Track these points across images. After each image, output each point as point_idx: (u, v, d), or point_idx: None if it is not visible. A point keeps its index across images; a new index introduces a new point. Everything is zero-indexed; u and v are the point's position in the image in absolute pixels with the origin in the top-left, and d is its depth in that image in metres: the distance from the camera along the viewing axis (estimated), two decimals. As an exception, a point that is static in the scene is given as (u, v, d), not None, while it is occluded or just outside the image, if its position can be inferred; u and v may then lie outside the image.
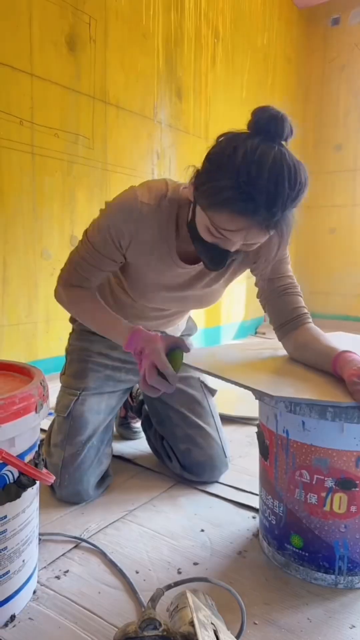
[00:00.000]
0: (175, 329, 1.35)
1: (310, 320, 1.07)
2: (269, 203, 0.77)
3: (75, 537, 1.01)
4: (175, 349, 0.96)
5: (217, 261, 0.92)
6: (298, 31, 4.05)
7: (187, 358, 1.01)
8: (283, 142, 0.81)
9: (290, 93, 4.03)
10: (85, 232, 1.06)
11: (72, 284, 1.09)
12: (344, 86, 4.02)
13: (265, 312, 1.12)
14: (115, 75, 2.44)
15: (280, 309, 1.07)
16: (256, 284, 1.12)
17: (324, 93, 4.13)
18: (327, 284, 4.27)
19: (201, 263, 1.02)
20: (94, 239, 1.03)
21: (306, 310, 1.08)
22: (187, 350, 0.97)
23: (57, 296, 1.12)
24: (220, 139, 0.84)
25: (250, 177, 0.76)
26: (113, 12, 2.38)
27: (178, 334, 1.37)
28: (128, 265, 1.10)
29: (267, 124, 0.79)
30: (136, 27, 2.52)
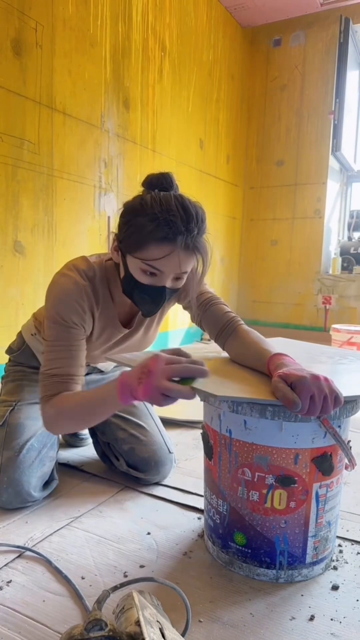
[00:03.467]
0: (108, 364, 1.42)
1: (242, 322, 1.13)
2: (184, 223, 0.91)
3: (18, 547, 0.99)
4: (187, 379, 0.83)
5: (156, 301, 0.99)
6: (242, 49, 4.20)
7: (133, 361, 1.02)
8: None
9: (234, 109, 4.16)
10: (43, 339, 1.04)
11: (52, 396, 0.97)
12: (285, 104, 4.20)
13: (203, 330, 1.19)
14: (62, 82, 2.43)
15: (212, 319, 1.13)
16: (185, 309, 1.20)
17: (266, 110, 4.30)
18: (269, 293, 4.42)
19: (135, 322, 1.16)
20: (54, 335, 1.00)
21: (234, 314, 1.15)
22: (204, 376, 0.83)
23: (46, 421, 0.98)
24: (127, 203, 0.97)
25: (162, 208, 0.90)
26: (60, 20, 2.38)
27: (112, 366, 1.44)
28: None
29: (158, 180, 0.96)
30: (84, 35, 2.53)
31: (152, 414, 1.36)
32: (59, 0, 2.36)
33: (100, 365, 1.39)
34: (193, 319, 1.19)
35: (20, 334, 1.33)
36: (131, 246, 0.94)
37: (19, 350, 1.32)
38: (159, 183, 0.96)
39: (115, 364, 1.45)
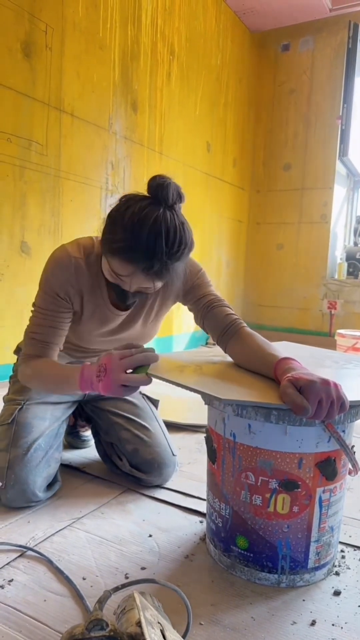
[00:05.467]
0: None
1: (245, 324, 1.13)
2: (147, 256, 0.91)
3: (20, 546, 0.99)
4: (139, 368, 0.96)
5: (122, 298, 1.05)
6: (250, 54, 4.22)
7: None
8: (174, 206, 0.94)
9: (241, 113, 4.17)
10: (33, 303, 1.13)
11: (31, 357, 1.10)
12: (292, 109, 4.21)
13: (206, 332, 1.19)
14: (70, 84, 2.44)
15: (214, 321, 1.14)
16: (190, 310, 1.21)
17: (274, 115, 4.31)
18: (274, 297, 4.42)
19: (131, 308, 1.17)
20: (42, 302, 1.10)
21: (237, 316, 1.15)
22: (154, 361, 0.98)
23: (20, 375, 1.13)
24: (122, 198, 0.97)
25: (132, 234, 0.91)
26: (70, 23, 2.40)
27: None
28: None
29: (154, 191, 0.93)
30: (93, 38, 2.54)
31: (156, 416, 1.36)
32: (69, 3, 2.38)
33: None
34: (196, 321, 1.20)
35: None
36: (105, 248, 0.99)
37: None
38: (155, 193, 0.93)
39: None
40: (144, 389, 1.41)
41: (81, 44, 2.47)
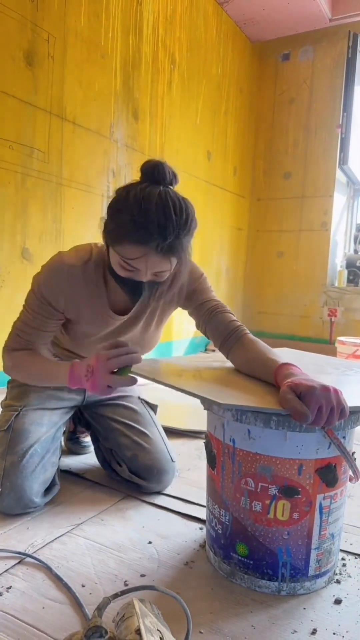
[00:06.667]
0: None
1: (247, 331, 1.13)
2: (160, 229, 0.90)
3: (19, 553, 0.98)
4: (123, 368, 1.00)
5: (135, 292, 1.02)
6: (251, 63, 4.25)
7: (136, 368, 1.03)
8: (170, 186, 0.95)
9: (242, 122, 4.20)
10: (25, 300, 1.14)
11: (15, 350, 1.14)
12: (293, 118, 4.23)
13: (208, 338, 1.19)
14: (72, 93, 2.46)
15: (217, 328, 1.14)
16: (190, 315, 1.21)
17: (274, 123, 4.34)
18: (274, 305, 4.42)
19: (132, 311, 1.16)
20: (31, 304, 1.11)
21: (240, 323, 1.15)
22: (137, 362, 1.01)
23: (4, 366, 1.15)
24: (118, 190, 0.97)
25: (141, 211, 0.90)
26: (72, 32, 2.42)
27: None
28: (66, 321, 1.17)
29: (150, 171, 0.94)
30: (95, 47, 2.57)
31: (155, 422, 1.36)
32: (71, 12, 2.40)
33: None
34: (198, 327, 1.19)
35: None
36: (112, 240, 0.97)
37: None
38: (151, 174, 0.94)
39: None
40: (142, 393, 1.41)
41: (83, 53, 2.50)
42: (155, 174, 0.94)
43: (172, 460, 1.29)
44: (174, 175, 0.96)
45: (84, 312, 1.13)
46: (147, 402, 1.41)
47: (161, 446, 1.29)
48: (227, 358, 1.14)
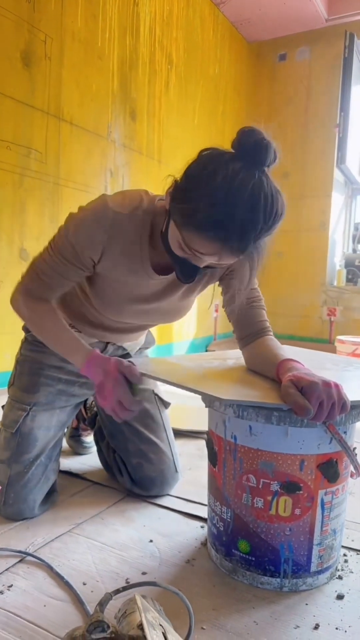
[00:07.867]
0: (135, 344, 1.35)
1: (271, 332, 1.09)
2: (242, 234, 0.77)
3: (20, 551, 0.98)
4: (132, 383, 1.01)
5: (187, 275, 0.91)
6: (248, 64, 4.26)
7: (141, 366, 1.03)
8: (265, 168, 0.80)
9: (240, 122, 4.20)
10: (53, 237, 1.01)
11: (33, 294, 1.04)
12: (290, 118, 4.24)
13: (229, 321, 1.11)
14: (70, 93, 2.47)
15: (246, 321, 1.08)
16: (221, 294, 1.11)
17: (272, 124, 4.32)
18: (273, 305, 4.41)
19: (173, 274, 1.00)
20: (61, 246, 0.98)
21: (268, 324, 1.10)
22: (140, 382, 1.02)
23: (15, 304, 1.06)
24: (203, 154, 0.81)
25: (226, 204, 0.75)
26: (69, 33, 2.42)
27: (137, 348, 1.38)
28: (95, 275, 1.05)
29: (252, 150, 0.77)
30: (92, 48, 2.57)
31: (165, 425, 1.30)
32: (68, 13, 2.41)
33: (127, 345, 1.32)
34: (225, 306, 1.10)
35: None
36: (180, 219, 0.82)
37: None
38: (252, 153, 0.77)
39: (140, 346, 1.38)
40: (157, 386, 1.35)
41: (80, 54, 2.50)
42: (257, 154, 0.77)
43: (176, 471, 1.27)
44: (275, 157, 0.80)
45: (119, 266, 1.00)
46: (160, 399, 1.33)
47: (167, 457, 1.25)
48: (241, 350, 1.11)
